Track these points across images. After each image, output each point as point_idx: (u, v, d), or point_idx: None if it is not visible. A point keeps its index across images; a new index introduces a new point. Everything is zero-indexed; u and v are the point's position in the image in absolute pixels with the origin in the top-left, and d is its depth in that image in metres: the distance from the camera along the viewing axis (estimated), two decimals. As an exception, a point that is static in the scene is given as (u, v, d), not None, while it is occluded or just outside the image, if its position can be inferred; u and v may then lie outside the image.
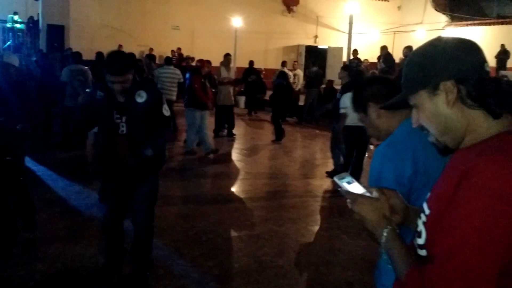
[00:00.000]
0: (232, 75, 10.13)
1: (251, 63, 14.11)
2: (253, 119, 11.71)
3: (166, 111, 3.40)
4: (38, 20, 14.52)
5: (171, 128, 8.82)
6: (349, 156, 6.55)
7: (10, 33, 13.47)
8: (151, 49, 16.42)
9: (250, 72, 13.60)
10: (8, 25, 13.71)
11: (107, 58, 3.29)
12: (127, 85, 3.21)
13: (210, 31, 18.82)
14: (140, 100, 3.26)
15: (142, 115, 3.28)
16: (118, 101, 3.27)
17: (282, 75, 10.91)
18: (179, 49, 18.11)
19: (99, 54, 10.45)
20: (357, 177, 5.78)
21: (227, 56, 10.20)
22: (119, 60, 3.21)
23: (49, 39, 14.18)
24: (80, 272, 3.79)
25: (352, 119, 5.69)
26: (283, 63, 14.49)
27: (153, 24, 18.39)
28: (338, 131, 6.69)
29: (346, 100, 6.03)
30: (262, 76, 14.24)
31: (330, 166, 7.45)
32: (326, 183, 6.96)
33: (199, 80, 8.11)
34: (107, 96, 3.29)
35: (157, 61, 13.53)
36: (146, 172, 3.45)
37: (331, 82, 13.02)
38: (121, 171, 3.40)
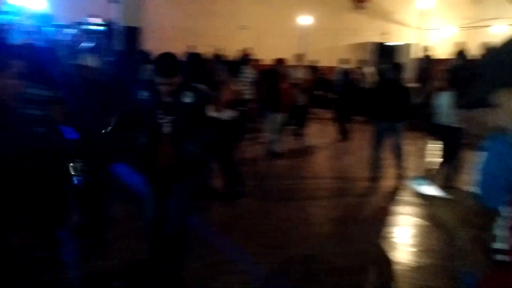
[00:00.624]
0: (304, 75, 9.97)
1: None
2: (316, 118, 11.63)
3: (212, 113, 3.46)
4: (116, 23, 15.26)
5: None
6: (447, 156, 6.22)
7: (92, 36, 14.25)
8: (219, 49, 16.76)
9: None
10: (89, 28, 14.53)
11: (158, 60, 3.32)
12: (174, 87, 3.25)
13: (277, 30, 18.87)
14: (186, 100, 3.28)
15: (187, 115, 3.28)
16: (163, 101, 3.30)
17: (346, 73, 10.71)
18: (247, 48, 18.31)
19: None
20: (451, 178, 5.43)
21: (298, 55, 10.13)
22: (169, 63, 3.26)
23: (125, 41, 14.88)
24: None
25: (447, 118, 5.76)
26: (345, 61, 14.23)
27: (221, 24, 18.75)
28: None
29: (443, 99, 5.97)
30: (322, 74, 14.06)
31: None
32: (397, 185, 6.78)
33: (285, 81, 7.86)
34: (152, 96, 3.31)
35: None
36: (186, 171, 3.41)
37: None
38: (162, 171, 3.38)
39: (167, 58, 3.32)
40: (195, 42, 17.21)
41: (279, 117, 7.93)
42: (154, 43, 15.52)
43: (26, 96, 3.72)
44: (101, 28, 14.80)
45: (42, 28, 13.46)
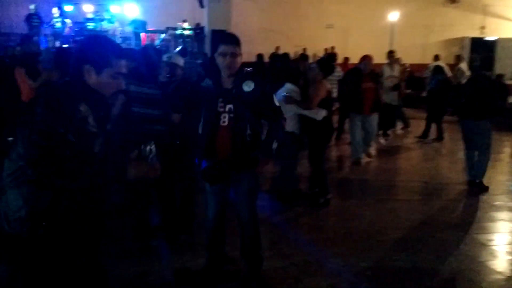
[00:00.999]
0: (396, 73, 9.46)
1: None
2: (408, 118, 11.08)
3: (304, 112, 3.34)
4: (204, 27, 15.76)
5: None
6: None
7: (180, 40, 14.83)
8: (305, 49, 16.67)
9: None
10: (178, 32, 15.13)
11: (222, 33, 3.32)
12: (236, 66, 3.15)
13: (364, 28, 18.40)
14: (247, 89, 3.16)
15: (249, 105, 3.15)
16: (224, 88, 3.20)
17: (438, 70, 10.08)
18: (332, 47, 18.05)
19: (259, 56, 10.90)
20: None
21: (391, 53, 9.61)
22: (234, 35, 3.26)
23: (213, 44, 15.32)
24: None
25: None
26: (436, 57, 13.49)
27: (307, 24, 18.65)
28: None
29: None
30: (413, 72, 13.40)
31: (499, 170, 6.71)
32: (495, 188, 6.28)
33: (369, 80, 7.17)
34: (214, 83, 3.22)
35: (310, 61, 13.66)
36: (244, 166, 3.26)
37: (500, 76, 11.70)
38: (220, 167, 3.20)
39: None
40: (281, 43, 17.31)
41: (362, 118, 7.36)
42: (242, 45, 15.76)
43: (135, 95, 3.93)
44: (189, 32, 15.36)
45: (137, 34, 14.27)
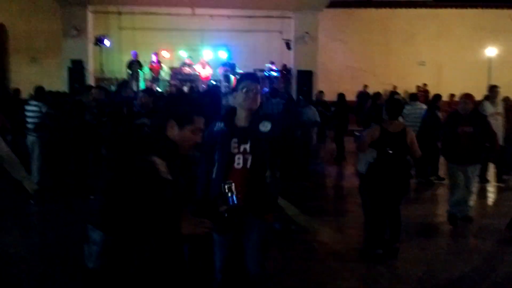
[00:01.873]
0: (500, 110, 8.43)
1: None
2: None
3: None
4: (290, 68, 16.01)
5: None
6: None
7: (267, 81, 15.16)
8: (395, 87, 16.24)
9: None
10: (265, 73, 15.49)
11: (243, 72, 3.25)
12: (258, 102, 3.02)
13: (459, 64, 17.60)
14: (264, 129, 2.98)
15: (266, 145, 2.97)
16: (240, 127, 3.03)
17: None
18: (424, 84, 17.42)
19: (340, 96, 10.84)
20: None
21: (493, 88, 8.66)
22: (256, 74, 3.27)
23: (299, 84, 15.46)
24: None
25: None
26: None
27: (397, 61, 18.24)
28: None
29: None
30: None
31: None
32: None
33: (467, 125, 5.84)
34: (227, 123, 3.06)
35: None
36: (257, 213, 3.01)
37: None
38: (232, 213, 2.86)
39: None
40: (369, 81, 17.06)
41: (461, 169, 5.99)
42: (328, 84, 15.82)
43: None
44: (276, 73, 15.67)
45: (227, 76, 14.82)
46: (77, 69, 15.01)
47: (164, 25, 16.21)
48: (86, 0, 15.23)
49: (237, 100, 3.06)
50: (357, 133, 4.85)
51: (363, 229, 5.20)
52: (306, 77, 15.56)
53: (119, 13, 16.30)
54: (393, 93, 11.37)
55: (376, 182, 4.76)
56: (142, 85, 14.27)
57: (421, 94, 15.23)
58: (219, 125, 3.08)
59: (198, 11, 16.00)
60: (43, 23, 16.14)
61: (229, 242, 3.12)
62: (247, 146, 2.97)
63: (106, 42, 15.30)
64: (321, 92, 11.75)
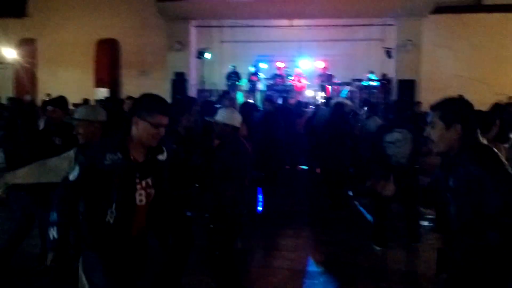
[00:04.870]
0: None
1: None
2: None
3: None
4: (391, 78, 15.36)
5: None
6: None
7: (366, 91, 14.67)
8: (511, 98, 14.82)
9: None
10: (364, 83, 15.00)
11: (153, 99, 2.68)
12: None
13: None
14: (161, 158, 2.73)
15: (166, 175, 2.76)
16: (136, 161, 2.64)
17: None
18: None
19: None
20: None
21: None
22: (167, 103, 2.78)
23: (400, 94, 14.75)
24: None
25: None
26: None
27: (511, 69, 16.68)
28: None
29: None
30: None
31: None
32: None
33: None
34: (124, 157, 2.59)
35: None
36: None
37: None
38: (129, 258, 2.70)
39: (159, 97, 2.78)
40: (480, 91, 15.75)
41: None
42: (432, 94, 14.81)
43: None
44: (376, 83, 15.10)
45: (323, 86, 14.61)
46: (179, 81, 15.77)
47: (263, 37, 16.45)
48: (190, 15, 15.97)
49: (137, 132, 2.66)
50: None
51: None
52: (407, 86, 14.81)
53: (221, 27, 16.87)
54: (509, 105, 10.36)
55: None
56: (239, 97, 14.57)
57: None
58: (114, 157, 2.59)
59: (296, 22, 16.00)
60: (151, 38, 17.18)
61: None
62: (150, 180, 2.73)
63: (207, 55, 15.88)
64: (418, 102, 11.04)
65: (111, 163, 2.53)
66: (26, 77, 17.53)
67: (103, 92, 16.49)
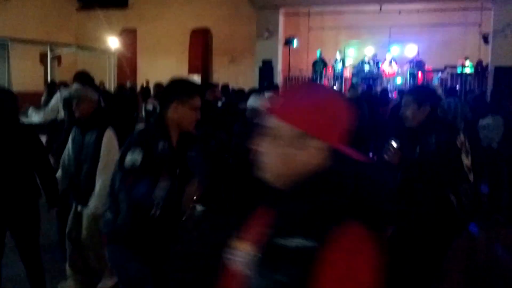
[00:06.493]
0: None
1: None
2: None
3: None
4: (486, 64, 14.56)
5: None
6: None
7: (458, 78, 14.05)
8: None
9: None
10: (458, 70, 14.35)
11: (184, 82, 2.60)
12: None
13: None
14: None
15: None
16: (175, 150, 2.53)
17: None
18: None
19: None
20: None
21: None
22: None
23: (496, 82, 13.93)
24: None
25: None
26: None
27: None
28: None
29: None
30: None
31: None
32: None
33: None
34: (169, 146, 2.48)
35: None
36: None
37: None
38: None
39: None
40: None
41: None
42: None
43: None
44: (470, 70, 14.37)
45: (413, 74, 14.21)
46: (266, 68, 16.17)
47: (351, 22, 16.30)
48: (280, 3, 16.25)
49: (176, 115, 2.55)
50: None
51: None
52: (505, 74, 13.93)
53: (308, 14, 16.97)
54: None
55: None
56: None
57: None
58: (162, 144, 2.51)
59: (386, 7, 15.64)
60: (241, 27, 17.72)
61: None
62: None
63: (294, 42, 16.10)
64: None
65: (161, 151, 2.39)
66: (127, 65, 18.92)
67: (196, 79, 17.38)
